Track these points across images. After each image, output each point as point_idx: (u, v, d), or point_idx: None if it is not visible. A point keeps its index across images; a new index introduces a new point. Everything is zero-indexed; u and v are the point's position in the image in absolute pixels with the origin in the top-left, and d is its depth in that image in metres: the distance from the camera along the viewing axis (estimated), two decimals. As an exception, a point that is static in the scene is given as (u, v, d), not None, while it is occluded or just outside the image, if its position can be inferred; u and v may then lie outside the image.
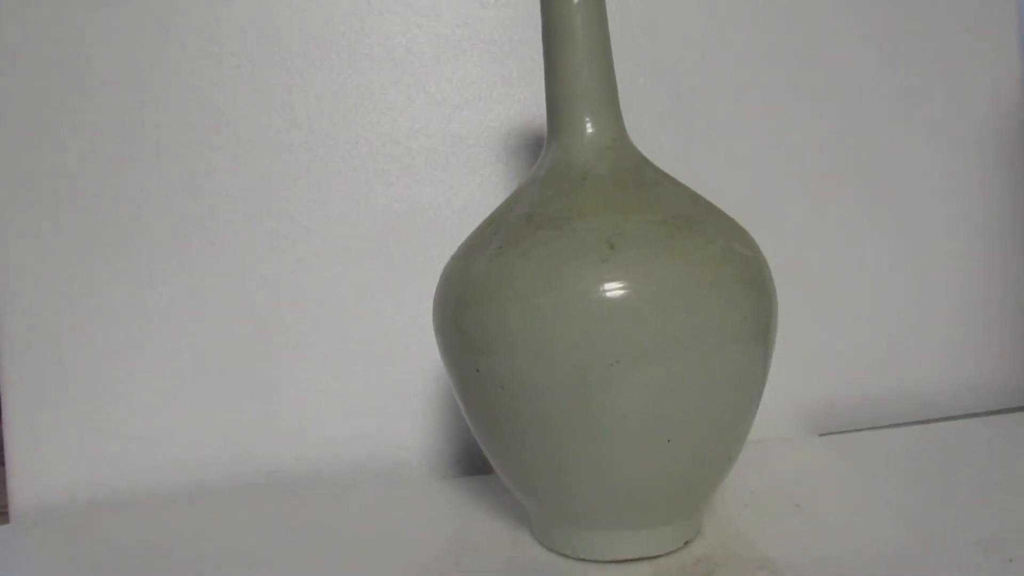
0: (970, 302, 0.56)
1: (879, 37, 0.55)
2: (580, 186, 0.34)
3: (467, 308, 0.33)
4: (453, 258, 0.36)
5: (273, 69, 0.51)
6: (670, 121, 0.52)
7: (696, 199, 0.35)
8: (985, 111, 0.56)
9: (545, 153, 0.37)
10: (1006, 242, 0.56)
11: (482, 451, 0.37)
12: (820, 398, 0.54)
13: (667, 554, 0.36)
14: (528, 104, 0.52)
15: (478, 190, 0.51)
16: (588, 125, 0.35)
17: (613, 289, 0.30)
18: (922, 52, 0.55)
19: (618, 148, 0.36)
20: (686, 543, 0.36)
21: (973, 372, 0.55)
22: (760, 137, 0.54)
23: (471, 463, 0.52)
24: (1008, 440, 0.48)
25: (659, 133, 0.51)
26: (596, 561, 0.35)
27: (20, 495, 0.50)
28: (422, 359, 0.51)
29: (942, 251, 0.56)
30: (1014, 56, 0.56)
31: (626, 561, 0.35)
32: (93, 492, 0.50)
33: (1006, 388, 0.55)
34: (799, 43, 0.54)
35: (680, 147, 0.52)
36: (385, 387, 0.51)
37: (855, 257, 0.55)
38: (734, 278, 0.32)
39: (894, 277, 0.55)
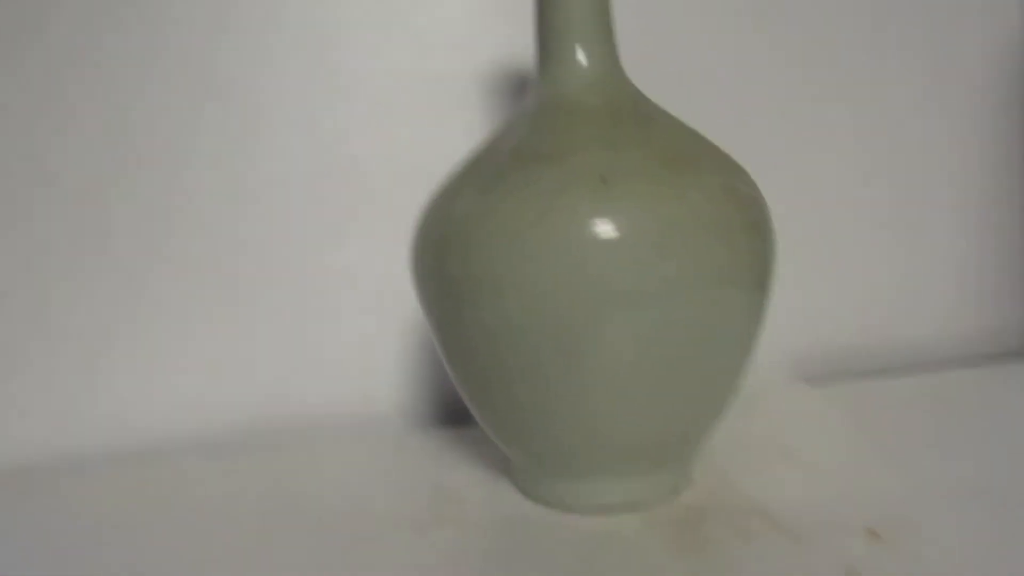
0: (964, 249, 0.55)
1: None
2: (571, 119, 0.32)
3: (449, 249, 0.32)
4: (434, 196, 0.34)
5: (243, 5, 0.48)
6: (665, 57, 0.50)
7: (694, 136, 0.33)
8: (983, 62, 0.54)
9: (534, 86, 0.35)
10: (1002, 191, 0.55)
11: (463, 401, 0.36)
12: (810, 346, 0.53)
13: (657, 502, 0.35)
14: (512, 40, 0.49)
15: (459, 132, 0.49)
16: (580, 55, 0.33)
17: (607, 227, 0.29)
18: (921, 3, 0.54)
19: (612, 80, 0.34)
20: (676, 491, 0.35)
21: (965, 320, 0.55)
22: (757, 75, 0.52)
23: (451, 413, 0.50)
24: (999, 387, 0.47)
25: (654, 68, 0.49)
26: (583, 511, 0.34)
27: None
28: (399, 307, 0.49)
29: (938, 199, 0.55)
30: (1012, 8, 0.54)
31: (615, 510, 0.34)
32: (47, 454, 0.48)
33: (998, 336, 0.55)
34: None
35: (676, 84, 0.50)
36: (361, 337, 0.50)
37: (849, 203, 0.53)
38: (735, 218, 0.31)
39: (889, 223, 0.54)
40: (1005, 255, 0.56)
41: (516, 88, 0.49)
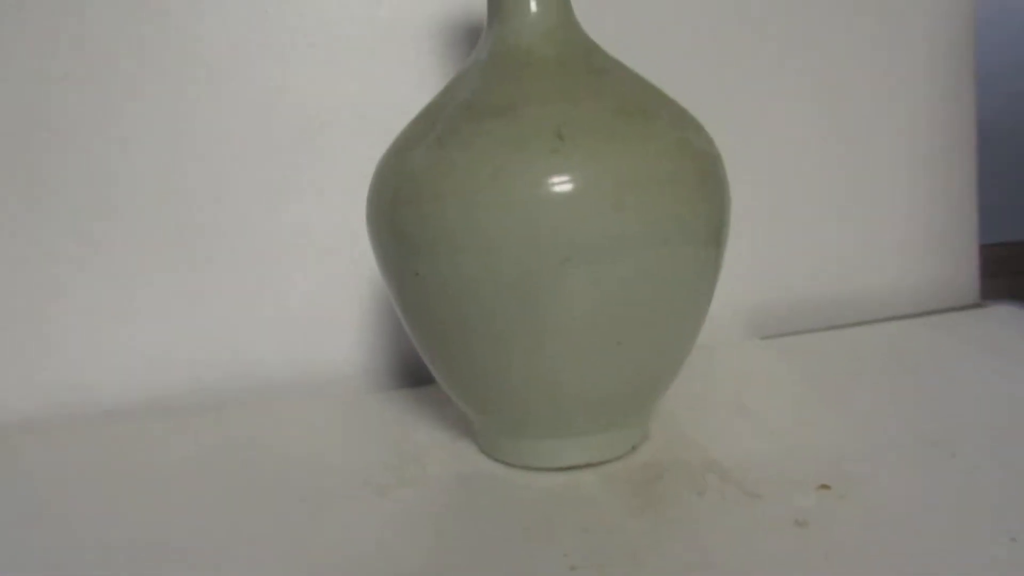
0: (912, 202, 0.56)
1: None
2: (525, 71, 0.31)
3: (404, 206, 0.31)
4: (387, 152, 0.33)
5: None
6: (620, 6, 0.49)
7: (649, 88, 0.33)
8: (934, 26, 0.54)
9: (486, 35, 0.34)
10: (948, 143, 0.56)
11: (422, 360, 0.35)
12: (763, 301, 0.53)
13: (615, 459, 0.35)
14: (464, -11, 0.48)
15: (412, 83, 0.47)
16: (532, 3, 0.32)
17: (563, 182, 0.28)
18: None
19: (565, 30, 0.33)
20: (633, 448, 0.36)
21: (916, 272, 0.56)
22: (710, 29, 0.51)
23: (411, 374, 0.50)
24: (949, 339, 0.48)
25: (607, 18, 0.48)
26: (542, 469, 0.34)
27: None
28: (355, 265, 0.48)
29: (885, 152, 0.55)
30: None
31: (573, 468, 0.34)
32: (2, 414, 0.47)
33: (947, 288, 0.56)
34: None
35: (629, 35, 0.49)
36: (317, 296, 0.49)
37: (800, 156, 0.53)
38: (691, 172, 0.30)
39: (836, 178, 0.54)
40: (954, 210, 0.56)
41: (469, 38, 0.48)
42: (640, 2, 0.50)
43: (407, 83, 0.47)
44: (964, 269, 0.56)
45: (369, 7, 0.47)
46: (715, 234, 0.32)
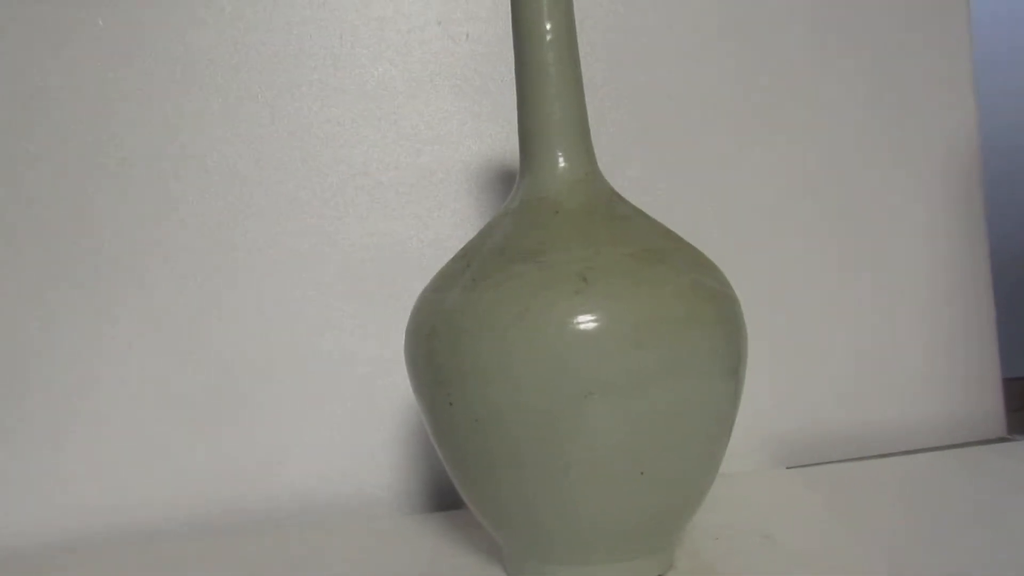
0: (937, 335, 0.57)
1: (848, 80, 0.56)
2: (553, 219, 0.34)
3: (439, 340, 0.33)
4: (425, 290, 0.36)
5: (243, 101, 0.51)
6: (640, 156, 0.53)
7: (667, 233, 0.36)
8: (945, 156, 0.57)
9: (518, 187, 0.37)
10: (971, 277, 0.57)
11: (453, 485, 0.37)
12: (788, 431, 0.54)
13: (640, 589, 0.35)
14: (498, 139, 0.52)
15: (448, 224, 0.51)
16: (560, 159, 0.36)
17: (586, 321, 0.30)
18: (887, 96, 0.57)
19: (590, 182, 0.36)
20: (659, 577, 0.36)
21: (940, 405, 0.56)
22: (727, 172, 0.55)
23: (442, 498, 0.51)
24: (975, 473, 0.48)
25: (628, 168, 0.52)
26: (568, 597, 0.35)
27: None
28: (392, 393, 0.51)
29: (909, 285, 0.57)
30: (970, 100, 0.57)
31: (599, 596, 0.35)
32: (47, 535, 0.48)
33: (973, 421, 0.56)
34: (769, 83, 0.55)
35: (649, 182, 0.53)
36: (355, 422, 0.51)
37: (823, 291, 0.55)
38: (706, 312, 0.33)
39: (862, 310, 0.56)
40: (974, 343, 0.57)
41: (502, 181, 0.52)
42: (661, 151, 0.54)
43: (444, 224, 0.51)
44: (989, 403, 0.57)
45: (411, 156, 0.52)
46: (732, 368, 0.34)
